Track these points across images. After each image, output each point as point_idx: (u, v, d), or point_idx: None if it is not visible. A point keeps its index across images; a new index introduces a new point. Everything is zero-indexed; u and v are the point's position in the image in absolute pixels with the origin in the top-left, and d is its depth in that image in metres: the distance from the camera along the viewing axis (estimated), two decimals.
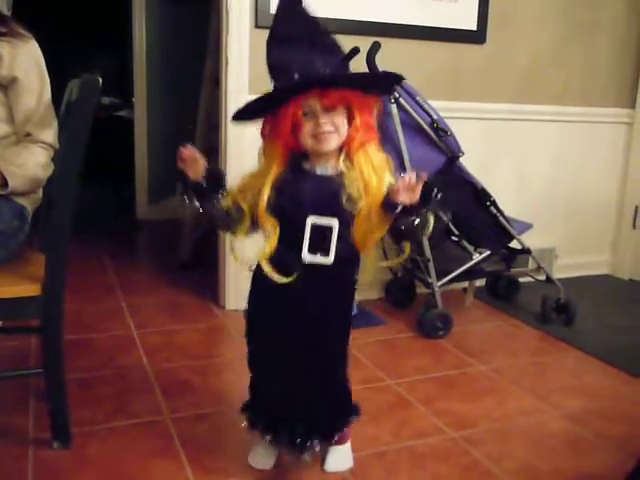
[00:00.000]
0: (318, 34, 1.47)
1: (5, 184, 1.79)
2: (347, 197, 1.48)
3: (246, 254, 1.62)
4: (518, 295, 3.30)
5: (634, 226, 3.78)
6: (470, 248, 2.92)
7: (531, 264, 3.11)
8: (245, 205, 1.53)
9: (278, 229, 1.51)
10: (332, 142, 1.47)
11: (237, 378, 2.39)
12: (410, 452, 1.86)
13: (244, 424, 1.73)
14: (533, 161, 3.51)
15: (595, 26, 3.51)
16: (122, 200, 5.24)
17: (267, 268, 1.52)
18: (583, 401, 2.25)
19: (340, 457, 1.78)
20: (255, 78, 2.81)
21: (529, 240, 2.97)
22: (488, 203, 2.79)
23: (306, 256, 1.50)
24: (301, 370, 1.63)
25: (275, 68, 1.47)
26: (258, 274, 1.59)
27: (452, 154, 2.69)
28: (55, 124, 1.93)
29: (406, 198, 1.41)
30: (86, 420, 1.95)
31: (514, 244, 2.97)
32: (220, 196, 1.54)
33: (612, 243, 3.88)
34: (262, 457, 1.77)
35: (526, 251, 2.96)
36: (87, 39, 6.93)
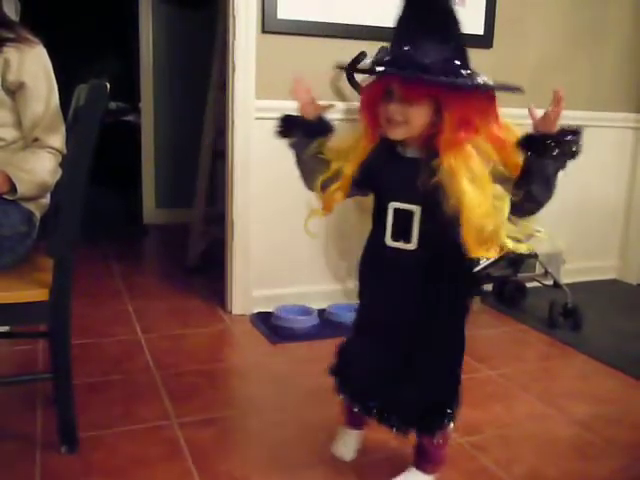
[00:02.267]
0: (441, 20, 1.40)
1: (14, 189, 1.79)
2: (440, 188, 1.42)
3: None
4: (525, 300, 3.29)
5: None
6: None
7: (538, 269, 3.10)
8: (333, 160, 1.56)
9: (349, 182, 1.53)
10: (398, 132, 1.44)
11: (244, 383, 2.39)
12: None
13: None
14: None
15: (602, 30, 3.50)
16: (131, 205, 5.24)
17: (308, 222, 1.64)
18: (591, 406, 2.24)
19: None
20: (262, 83, 2.82)
21: (536, 245, 2.96)
22: None
23: (389, 241, 1.50)
24: (397, 348, 1.59)
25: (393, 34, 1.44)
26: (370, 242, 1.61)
27: None
28: (63, 129, 1.93)
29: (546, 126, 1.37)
30: (93, 425, 1.95)
31: None
32: (322, 140, 1.56)
33: (620, 248, 3.87)
34: (343, 446, 1.81)
35: (533, 256, 2.96)
36: (95, 44, 6.96)
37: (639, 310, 3.34)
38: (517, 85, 1.43)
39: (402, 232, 1.49)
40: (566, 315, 2.98)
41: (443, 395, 1.62)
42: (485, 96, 1.45)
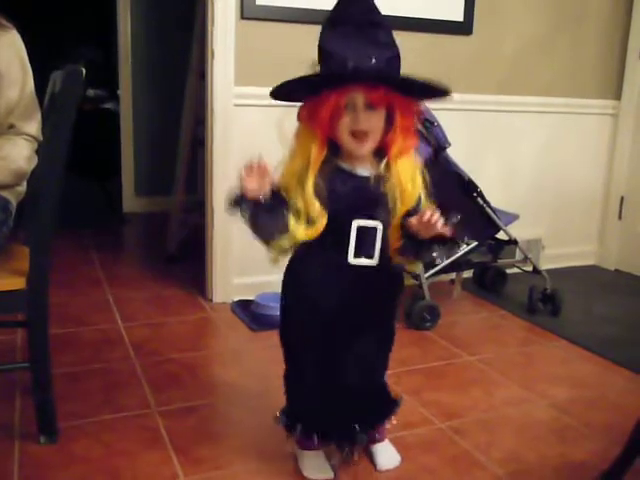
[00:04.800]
0: (378, 27, 1.41)
1: None
2: (389, 201, 1.48)
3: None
4: (505, 286, 3.31)
5: (620, 217, 3.80)
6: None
7: (518, 255, 3.12)
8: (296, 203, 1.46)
9: (325, 218, 1.46)
10: (367, 146, 1.45)
11: (224, 370, 2.38)
12: (398, 443, 1.85)
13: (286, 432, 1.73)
14: (520, 152, 3.51)
15: (582, 17, 3.51)
16: (110, 194, 5.19)
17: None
18: (569, 390, 2.27)
19: (389, 453, 1.79)
20: (241, 70, 2.80)
21: (516, 231, 2.97)
22: (475, 194, 2.79)
23: (352, 259, 1.50)
24: (346, 368, 1.60)
25: (327, 53, 1.40)
26: (298, 267, 1.59)
27: (438, 145, 2.68)
28: (39, 116, 1.91)
29: (422, 232, 1.41)
30: (73, 414, 1.94)
31: (501, 235, 2.98)
32: (285, 212, 1.45)
33: (598, 234, 3.90)
34: (320, 468, 1.72)
35: (513, 242, 2.97)
36: (73, 30, 6.88)
37: (617, 295, 3.37)
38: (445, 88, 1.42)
39: (364, 249, 1.50)
40: (545, 300, 3.00)
41: (382, 380, 1.72)
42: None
